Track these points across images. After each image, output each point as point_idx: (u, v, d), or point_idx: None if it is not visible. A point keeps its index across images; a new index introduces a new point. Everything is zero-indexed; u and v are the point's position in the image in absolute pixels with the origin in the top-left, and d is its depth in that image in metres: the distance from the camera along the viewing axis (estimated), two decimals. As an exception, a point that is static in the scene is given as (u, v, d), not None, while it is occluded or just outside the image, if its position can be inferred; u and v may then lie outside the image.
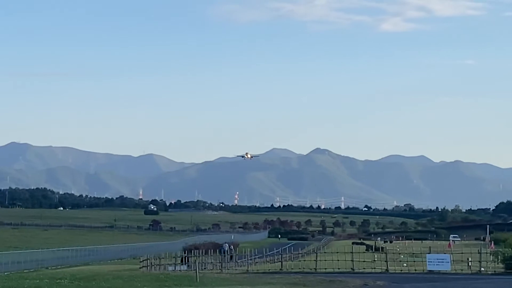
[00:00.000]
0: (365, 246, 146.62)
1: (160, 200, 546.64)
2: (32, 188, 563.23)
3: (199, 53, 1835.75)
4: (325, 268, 63.45)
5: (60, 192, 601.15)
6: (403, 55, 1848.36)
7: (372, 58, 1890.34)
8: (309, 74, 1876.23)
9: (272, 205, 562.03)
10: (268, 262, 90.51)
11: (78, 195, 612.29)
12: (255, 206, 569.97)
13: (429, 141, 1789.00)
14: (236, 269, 72.30)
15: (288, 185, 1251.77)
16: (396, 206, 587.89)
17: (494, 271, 60.90)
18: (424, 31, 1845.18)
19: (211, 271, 66.99)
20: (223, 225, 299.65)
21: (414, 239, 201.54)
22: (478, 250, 63.96)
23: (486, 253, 67.22)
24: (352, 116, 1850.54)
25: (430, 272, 60.82)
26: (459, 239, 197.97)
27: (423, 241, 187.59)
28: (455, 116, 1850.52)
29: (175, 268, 72.50)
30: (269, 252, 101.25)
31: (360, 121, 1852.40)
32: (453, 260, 62.78)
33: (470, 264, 65.77)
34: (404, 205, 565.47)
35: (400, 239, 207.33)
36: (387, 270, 63.77)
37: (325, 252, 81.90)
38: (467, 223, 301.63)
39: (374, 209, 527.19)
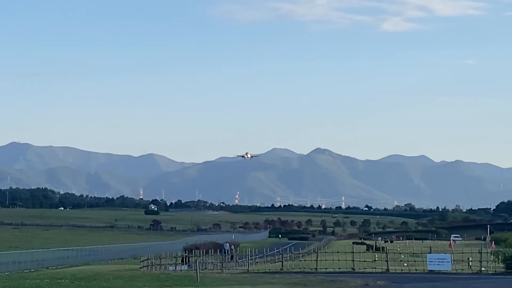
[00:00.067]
0: (365, 246, 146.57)
1: (160, 200, 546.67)
2: (33, 188, 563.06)
3: (199, 53, 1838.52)
4: (326, 268, 63.46)
5: (61, 192, 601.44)
6: (403, 55, 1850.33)
7: (372, 58, 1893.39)
8: (309, 74, 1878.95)
9: (272, 205, 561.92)
10: (268, 262, 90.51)
11: (78, 195, 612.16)
12: (256, 206, 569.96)
13: (429, 141, 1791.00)
14: (236, 269, 72.27)
15: (289, 185, 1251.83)
16: (397, 206, 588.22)
17: (495, 271, 60.87)
18: (424, 31, 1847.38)
19: (212, 271, 66.97)
20: (224, 225, 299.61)
21: (414, 239, 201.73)
22: (479, 250, 63.89)
23: (487, 253, 67.18)
24: (352, 116, 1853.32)
25: (431, 272, 60.83)
26: (460, 239, 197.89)
27: (424, 241, 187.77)
28: (455, 116, 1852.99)
29: (175, 268, 72.50)
30: (269, 252, 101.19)
31: (360, 121, 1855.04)
32: (453, 260, 62.75)
33: (470, 264, 65.77)
34: (405, 205, 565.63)
35: (401, 239, 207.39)
36: (387, 270, 63.75)
37: (325, 252, 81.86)
38: (468, 223, 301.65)
39: (374, 209, 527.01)
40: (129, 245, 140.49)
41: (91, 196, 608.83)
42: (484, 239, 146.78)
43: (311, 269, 64.52)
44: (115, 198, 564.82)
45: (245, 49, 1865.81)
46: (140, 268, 73.18)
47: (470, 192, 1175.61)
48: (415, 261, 71.28)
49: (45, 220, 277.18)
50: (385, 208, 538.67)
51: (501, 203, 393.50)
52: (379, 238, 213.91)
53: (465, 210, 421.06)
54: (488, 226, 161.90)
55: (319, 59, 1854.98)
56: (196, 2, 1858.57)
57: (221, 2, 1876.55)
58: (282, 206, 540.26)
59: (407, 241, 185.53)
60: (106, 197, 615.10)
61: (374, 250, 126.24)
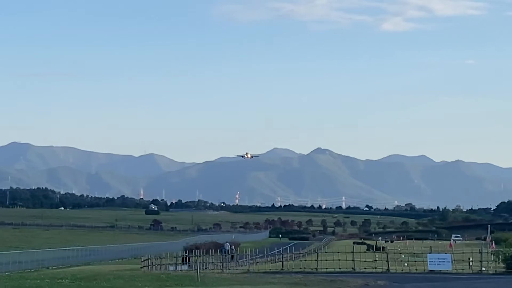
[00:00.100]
0: (366, 246, 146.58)
1: (161, 200, 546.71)
2: (33, 188, 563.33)
3: (199, 53, 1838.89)
4: (326, 268, 63.42)
5: (61, 192, 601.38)
6: (403, 55, 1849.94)
7: (372, 58, 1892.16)
8: (309, 74, 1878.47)
9: (273, 205, 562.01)
10: (269, 262, 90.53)
11: (79, 195, 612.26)
12: (256, 206, 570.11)
13: (429, 141, 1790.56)
14: (237, 269, 72.26)
15: (289, 185, 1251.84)
16: (397, 205, 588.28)
17: (495, 270, 60.86)
18: (425, 31, 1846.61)
19: (212, 271, 66.95)
20: (224, 225, 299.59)
21: (415, 239, 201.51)
22: (479, 250, 63.92)
23: (487, 252, 67.17)
24: (352, 116, 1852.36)
25: (431, 272, 60.80)
26: (461, 239, 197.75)
27: (424, 240, 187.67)
28: (455, 116, 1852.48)
29: (176, 268, 72.48)
30: (270, 252, 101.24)
31: (360, 121, 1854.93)
32: (454, 260, 62.73)
33: (471, 264, 65.75)
34: (405, 204, 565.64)
35: (401, 238, 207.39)
36: (388, 270, 63.75)
37: (326, 252, 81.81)
38: (468, 223, 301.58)
39: (375, 209, 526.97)
40: (129, 245, 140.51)
41: (91, 196, 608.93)
42: (485, 239, 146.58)
43: (312, 269, 64.49)
44: (115, 198, 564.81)
45: (245, 49, 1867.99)
46: (141, 268, 73.14)
47: (471, 192, 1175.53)
48: (415, 261, 71.24)
49: (46, 220, 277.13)
50: (385, 208, 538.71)
51: (501, 203, 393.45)
52: (380, 238, 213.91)
53: (465, 210, 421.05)
54: (489, 226, 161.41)
55: (319, 59, 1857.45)
56: (196, 2, 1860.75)
57: (221, 2, 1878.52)
58: (283, 206, 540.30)
59: (408, 241, 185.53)
60: (107, 197, 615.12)
61: (374, 250, 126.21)
